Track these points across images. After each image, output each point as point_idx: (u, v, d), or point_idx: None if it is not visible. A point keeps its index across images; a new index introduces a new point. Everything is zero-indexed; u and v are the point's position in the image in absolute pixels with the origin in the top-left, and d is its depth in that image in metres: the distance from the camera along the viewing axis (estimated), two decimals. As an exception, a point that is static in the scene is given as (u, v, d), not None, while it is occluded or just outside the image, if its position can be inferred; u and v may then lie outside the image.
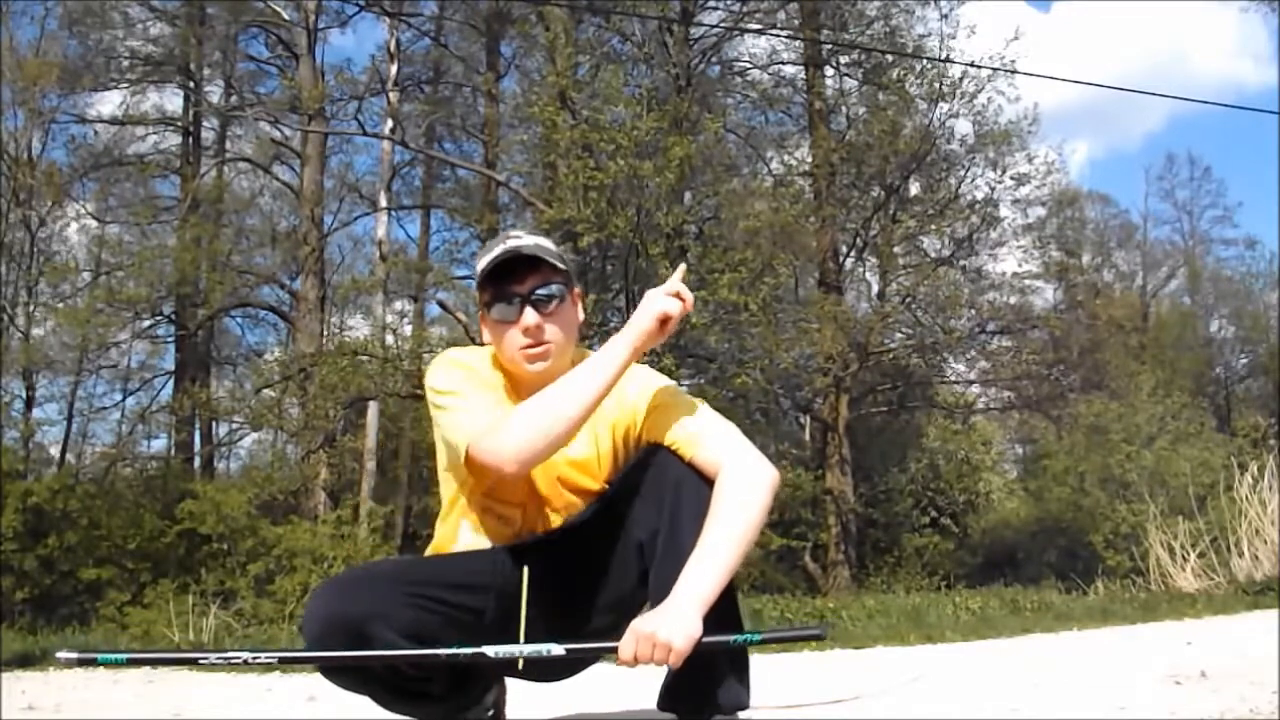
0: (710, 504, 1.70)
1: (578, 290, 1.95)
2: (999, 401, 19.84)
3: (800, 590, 14.14)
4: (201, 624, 6.02)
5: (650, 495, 1.78)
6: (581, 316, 1.95)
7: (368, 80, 17.54)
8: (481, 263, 1.87)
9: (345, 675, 1.74)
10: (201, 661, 1.80)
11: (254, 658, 1.64)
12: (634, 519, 1.78)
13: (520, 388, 1.89)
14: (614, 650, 1.62)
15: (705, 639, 1.60)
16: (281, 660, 1.78)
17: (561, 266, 1.88)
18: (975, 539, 20.44)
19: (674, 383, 1.92)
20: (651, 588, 1.75)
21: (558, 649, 1.63)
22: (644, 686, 1.98)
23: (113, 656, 1.74)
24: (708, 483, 1.74)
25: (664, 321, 1.80)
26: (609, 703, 2.62)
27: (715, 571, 1.64)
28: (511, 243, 1.86)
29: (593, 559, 1.84)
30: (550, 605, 1.80)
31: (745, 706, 1.77)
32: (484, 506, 1.90)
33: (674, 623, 1.58)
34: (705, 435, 1.78)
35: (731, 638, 1.67)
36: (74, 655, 1.66)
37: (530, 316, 1.82)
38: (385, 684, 1.75)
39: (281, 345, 19.46)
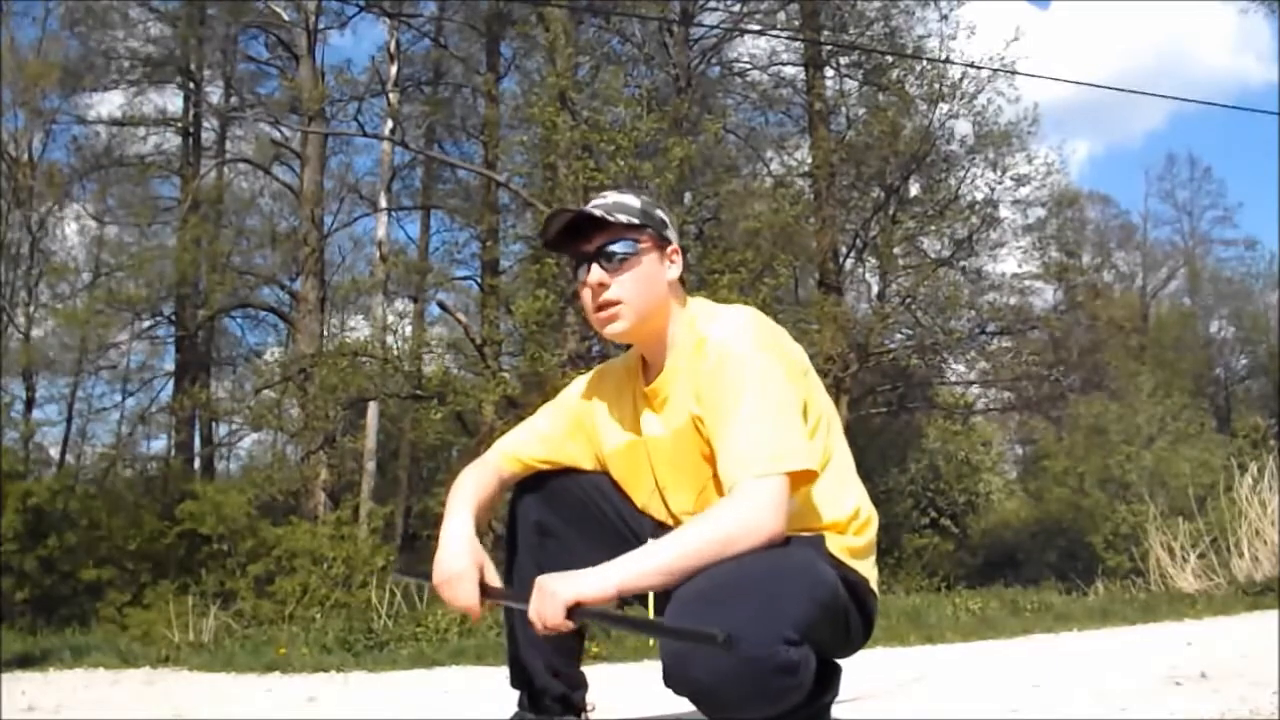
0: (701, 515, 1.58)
1: (672, 247, 1.77)
2: (999, 402, 19.83)
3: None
4: (201, 625, 6.00)
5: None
6: (675, 274, 1.76)
7: (368, 81, 17.52)
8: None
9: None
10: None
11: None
12: None
13: (641, 356, 1.82)
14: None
15: (589, 611, 1.50)
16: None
17: (634, 222, 1.71)
18: (975, 540, 20.44)
19: (761, 359, 1.64)
20: None
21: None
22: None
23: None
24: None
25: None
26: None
27: (643, 566, 1.51)
28: (591, 205, 1.74)
29: None
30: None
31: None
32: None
33: (570, 584, 1.50)
34: (739, 459, 1.57)
35: (630, 619, 1.56)
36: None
37: (594, 274, 1.69)
38: None
39: (281, 346, 19.47)
